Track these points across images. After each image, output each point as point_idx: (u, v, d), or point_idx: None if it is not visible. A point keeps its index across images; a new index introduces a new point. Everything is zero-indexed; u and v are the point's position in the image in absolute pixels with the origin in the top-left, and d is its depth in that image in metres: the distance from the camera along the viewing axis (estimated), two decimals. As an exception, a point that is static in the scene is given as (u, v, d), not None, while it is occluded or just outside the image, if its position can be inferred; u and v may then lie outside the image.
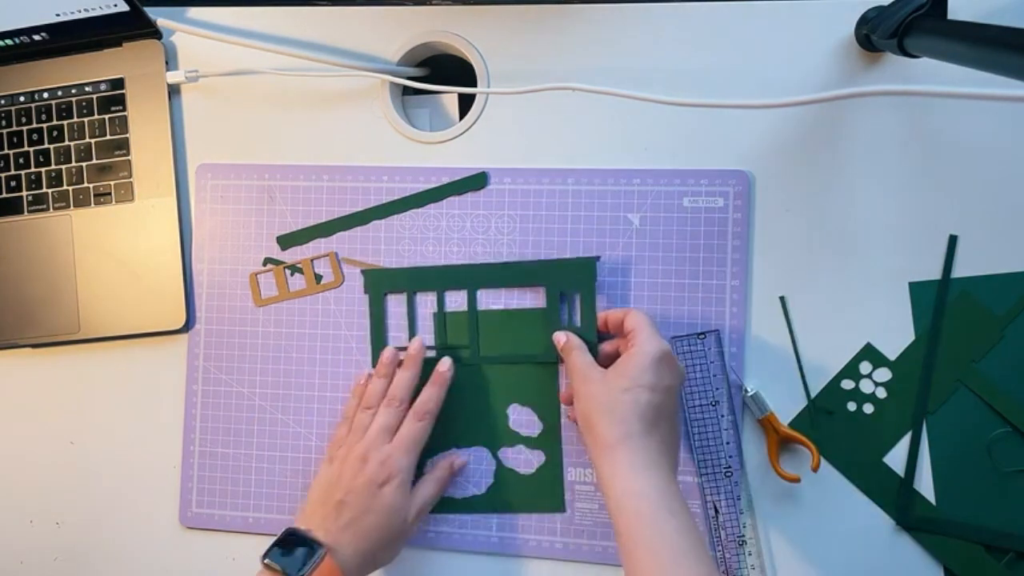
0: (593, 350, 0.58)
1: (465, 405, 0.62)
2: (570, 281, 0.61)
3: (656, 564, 0.47)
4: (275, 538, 0.55)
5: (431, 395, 0.60)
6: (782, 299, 0.60)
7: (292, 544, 0.53)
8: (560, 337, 0.59)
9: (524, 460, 0.62)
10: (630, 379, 0.52)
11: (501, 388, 0.62)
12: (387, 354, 0.61)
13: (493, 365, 0.62)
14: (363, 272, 0.64)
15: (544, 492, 0.61)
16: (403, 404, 0.59)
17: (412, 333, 0.63)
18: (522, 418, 0.62)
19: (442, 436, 0.62)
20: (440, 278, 0.63)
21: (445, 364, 0.61)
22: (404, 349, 0.62)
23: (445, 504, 0.62)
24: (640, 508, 0.49)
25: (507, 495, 0.62)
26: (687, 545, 0.47)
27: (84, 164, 0.67)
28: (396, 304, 0.64)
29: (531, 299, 0.62)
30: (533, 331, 0.62)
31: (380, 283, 0.64)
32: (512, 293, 0.62)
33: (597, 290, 0.61)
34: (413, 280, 0.63)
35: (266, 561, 0.53)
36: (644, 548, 0.48)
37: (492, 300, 0.62)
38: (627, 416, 0.51)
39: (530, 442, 0.62)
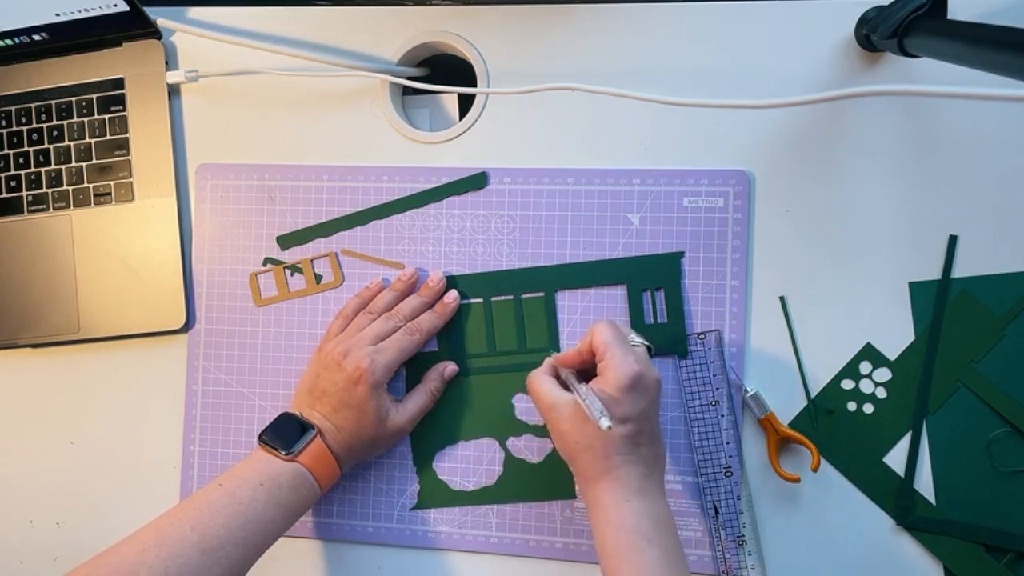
0: (681, 345, 0.59)
1: (472, 396, 0.63)
2: (653, 277, 0.61)
3: None
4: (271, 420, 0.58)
5: (430, 318, 0.61)
6: (782, 299, 0.60)
7: (286, 426, 0.57)
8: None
9: (532, 449, 0.62)
10: None
11: (507, 378, 0.62)
12: (409, 271, 0.62)
13: (499, 356, 0.62)
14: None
15: (554, 480, 0.61)
16: (403, 322, 0.61)
17: (490, 339, 0.63)
18: (529, 407, 0.62)
19: (449, 427, 0.63)
20: (518, 281, 0.62)
21: (451, 296, 0.62)
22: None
23: (457, 497, 0.62)
24: (619, 539, 0.49)
25: (517, 485, 0.62)
26: (662, 574, 0.48)
27: (84, 164, 0.67)
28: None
29: (609, 298, 0.61)
30: (538, 321, 0.62)
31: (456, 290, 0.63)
32: (588, 293, 0.62)
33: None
34: (489, 284, 0.63)
35: (263, 439, 0.56)
36: None
37: (571, 301, 0.62)
38: (606, 452, 0.51)
39: (537, 431, 0.62)
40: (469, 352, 0.63)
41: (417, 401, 0.61)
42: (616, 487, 0.50)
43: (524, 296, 0.62)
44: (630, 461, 0.51)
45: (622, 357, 0.51)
